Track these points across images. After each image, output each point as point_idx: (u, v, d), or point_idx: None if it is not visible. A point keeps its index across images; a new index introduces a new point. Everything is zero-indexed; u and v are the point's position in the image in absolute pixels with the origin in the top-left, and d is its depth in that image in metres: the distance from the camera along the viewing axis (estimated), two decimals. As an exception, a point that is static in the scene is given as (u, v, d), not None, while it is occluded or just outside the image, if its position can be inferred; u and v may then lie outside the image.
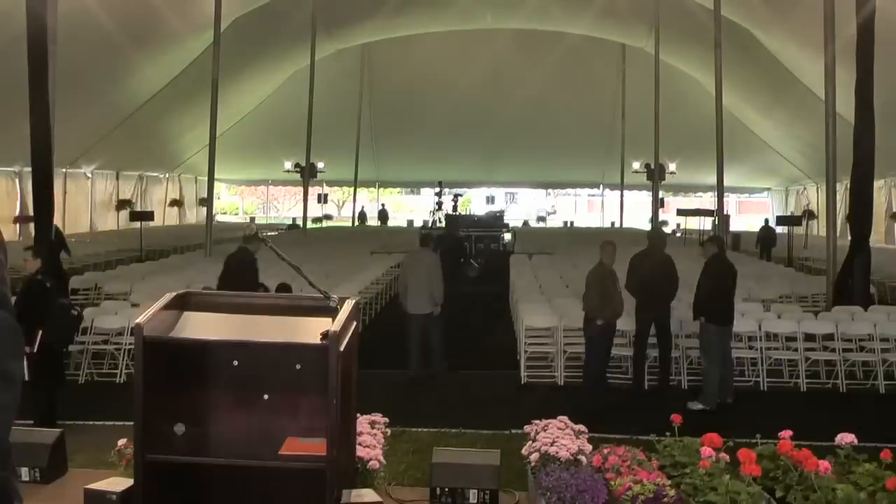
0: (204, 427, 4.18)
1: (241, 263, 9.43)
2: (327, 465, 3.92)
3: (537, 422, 5.55)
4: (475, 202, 42.91)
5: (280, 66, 31.13)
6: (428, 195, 42.96)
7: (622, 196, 33.68)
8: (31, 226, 12.57)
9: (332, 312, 4.21)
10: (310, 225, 28.77)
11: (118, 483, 4.68)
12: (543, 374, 9.79)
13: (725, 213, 24.24)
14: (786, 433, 5.07)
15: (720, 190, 18.95)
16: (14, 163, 21.25)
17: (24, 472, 5.36)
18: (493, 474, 5.21)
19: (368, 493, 4.48)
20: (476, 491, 5.12)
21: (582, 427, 5.47)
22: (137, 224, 23.92)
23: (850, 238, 12.20)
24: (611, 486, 4.59)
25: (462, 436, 7.45)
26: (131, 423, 4.01)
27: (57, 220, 12.55)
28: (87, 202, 26.77)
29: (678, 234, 27.88)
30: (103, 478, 4.94)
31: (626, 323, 9.65)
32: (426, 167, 36.17)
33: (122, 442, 5.14)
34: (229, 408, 4.23)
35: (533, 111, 33.37)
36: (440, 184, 24.09)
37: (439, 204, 22.09)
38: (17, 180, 22.07)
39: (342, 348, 4.00)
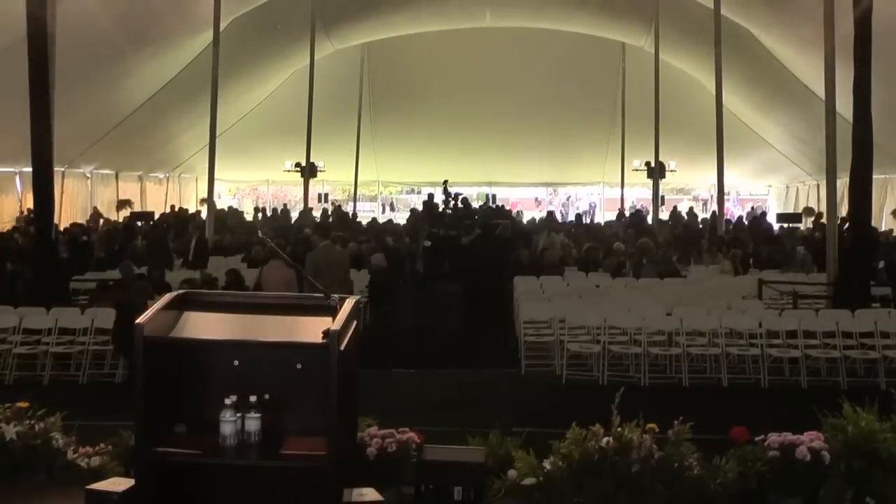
0: (205, 427, 4.18)
1: None
2: (328, 464, 3.93)
3: None
4: (474, 200, 42.65)
5: (279, 65, 31.07)
6: (427, 194, 42.78)
7: (622, 194, 33.71)
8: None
9: (332, 311, 4.21)
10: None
11: (119, 483, 4.67)
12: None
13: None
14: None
15: (720, 187, 18.93)
16: (14, 163, 21.24)
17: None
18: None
19: (370, 492, 4.47)
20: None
21: None
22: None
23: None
24: None
25: (463, 433, 7.44)
26: (132, 423, 4.01)
27: (56, 220, 12.56)
28: (86, 202, 26.76)
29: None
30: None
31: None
32: (426, 166, 36.09)
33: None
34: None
35: (533, 110, 33.30)
36: (446, 182, 23.59)
37: (446, 203, 21.56)
38: (17, 180, 22.07)
39: (343, 347, 4.00)
